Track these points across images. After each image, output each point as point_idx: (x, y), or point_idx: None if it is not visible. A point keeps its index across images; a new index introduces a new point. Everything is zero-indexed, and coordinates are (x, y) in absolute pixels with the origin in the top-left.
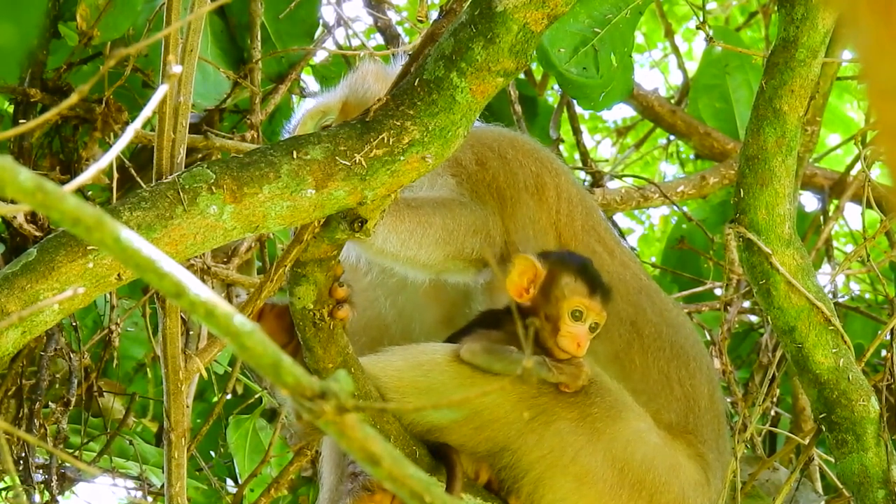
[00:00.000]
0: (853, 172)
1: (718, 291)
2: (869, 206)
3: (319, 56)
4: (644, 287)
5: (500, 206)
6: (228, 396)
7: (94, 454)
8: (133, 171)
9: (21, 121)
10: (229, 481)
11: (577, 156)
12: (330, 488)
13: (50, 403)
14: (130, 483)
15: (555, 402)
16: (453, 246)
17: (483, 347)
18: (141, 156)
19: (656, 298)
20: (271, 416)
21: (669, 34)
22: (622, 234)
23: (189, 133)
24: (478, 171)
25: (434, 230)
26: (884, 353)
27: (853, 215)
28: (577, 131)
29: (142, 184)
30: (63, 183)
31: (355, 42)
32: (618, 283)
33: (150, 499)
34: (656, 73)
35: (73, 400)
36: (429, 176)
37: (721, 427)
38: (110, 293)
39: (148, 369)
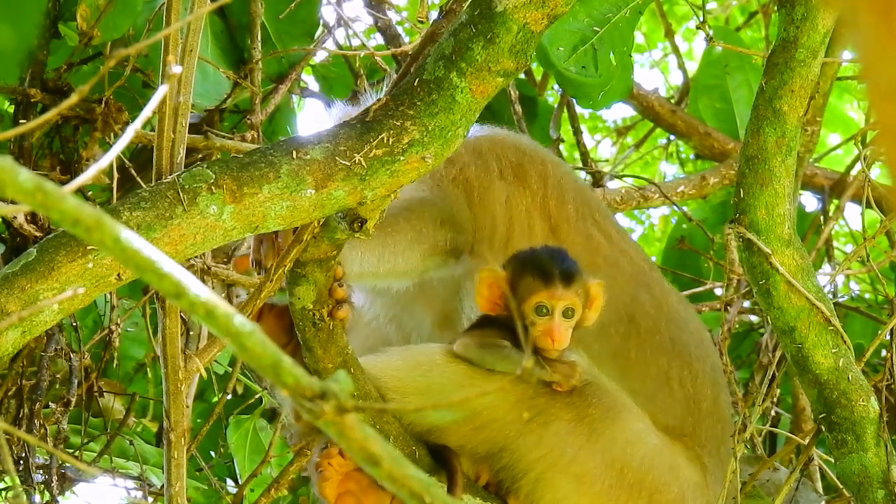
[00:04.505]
0: (853, 172)
1: (718, 291)
2: (869, 206)
3: (319, 56)
4: (642, 275)
5: (467, 194)
6: (228, 396)
7: (94, 454)
8: (133, 171)
9: (21, 121)
10: (229, 481)
11: (577, 156)
12: None
13: (50, 403)
14: (130, 483)
15: (553, 403)
16: (426, 243)
17: (476, 342)
18: (141, 156)
19: (656, 289)
20: (271, 416)
21: (669, 34)
22: None
23: (189, 133)
24: (442, 166)
25: (404, 234)
26: (884, 353)
27: (853, 215)
28: (577, 131)
29: (142, 184)
30: (63, 183)
31: (355, 42)
32: (612, 269)
33: (150, 499)
34: (656, 73)
35: (73, 400)
36: None
37: (724, 433)
38: (110, 293)
39: (148, 369)
